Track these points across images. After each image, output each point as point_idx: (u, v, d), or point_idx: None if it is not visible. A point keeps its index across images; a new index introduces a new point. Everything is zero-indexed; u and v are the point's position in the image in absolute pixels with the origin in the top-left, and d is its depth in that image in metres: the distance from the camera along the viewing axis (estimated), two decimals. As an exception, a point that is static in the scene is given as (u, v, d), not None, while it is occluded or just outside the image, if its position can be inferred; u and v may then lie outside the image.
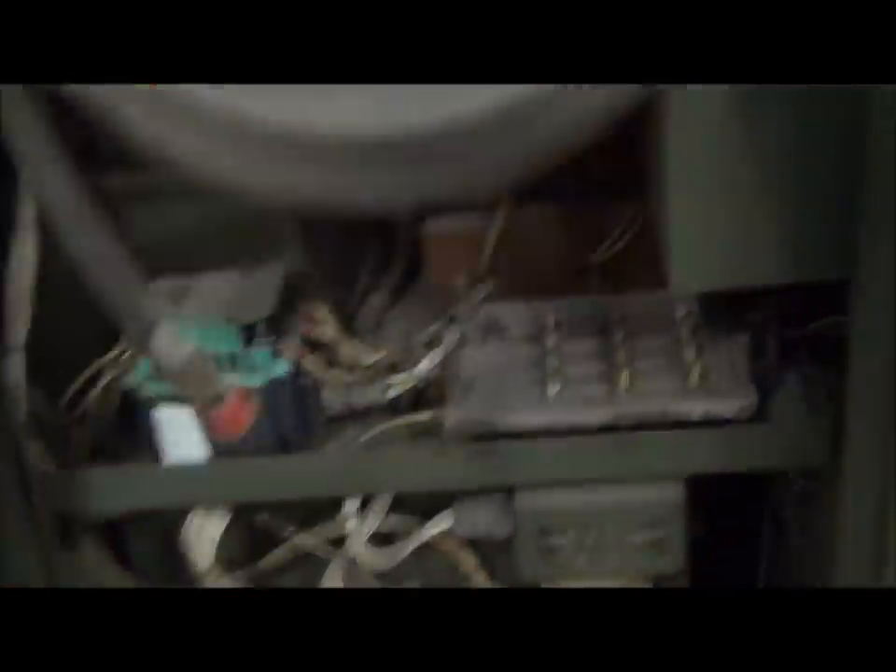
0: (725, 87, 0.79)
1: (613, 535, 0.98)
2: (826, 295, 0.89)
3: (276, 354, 0.98)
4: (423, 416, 1.01)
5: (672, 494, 0.97)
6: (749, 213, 0.84)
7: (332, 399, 1.02)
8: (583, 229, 1.11)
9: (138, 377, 0.97)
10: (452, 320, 1.09)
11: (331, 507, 1.10)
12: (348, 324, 1.11)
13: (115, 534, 1.13)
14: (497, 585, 1.16)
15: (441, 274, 1.13)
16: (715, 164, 0.82)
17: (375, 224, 1.27)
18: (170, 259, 1.03)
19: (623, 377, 0.97)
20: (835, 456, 0.89)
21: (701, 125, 0.81)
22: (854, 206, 0.78)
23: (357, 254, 1.22)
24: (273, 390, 0.97)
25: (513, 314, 1.09)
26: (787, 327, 1.01)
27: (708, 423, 0.94)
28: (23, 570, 0.92)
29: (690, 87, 0.79)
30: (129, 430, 1.01)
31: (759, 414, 0.94)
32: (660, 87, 0.82)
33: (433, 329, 1.09)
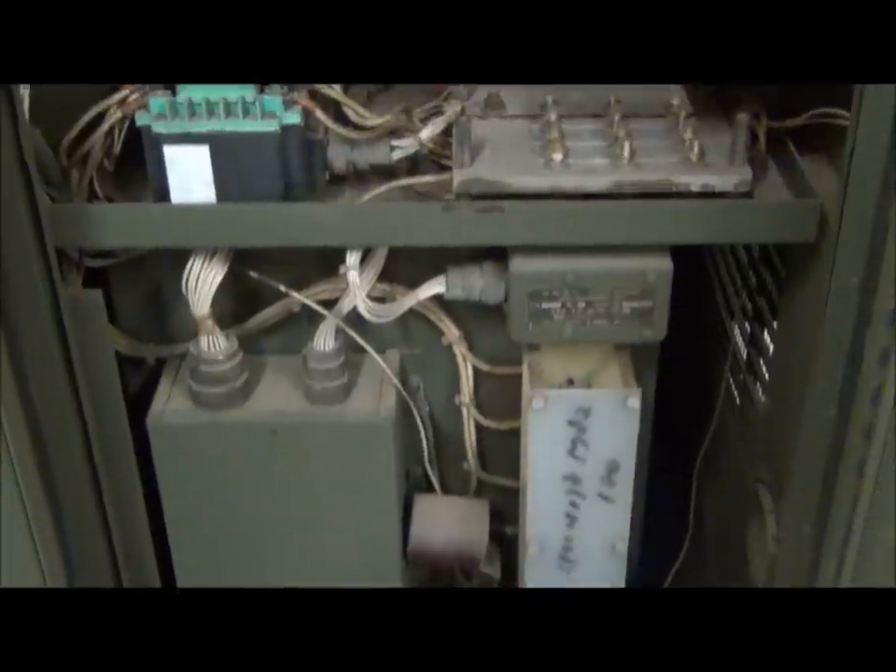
0: None
1: (602, 302, 1.03)
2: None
3: (287, 104, 0.98)
4: (427, 178, 1.03)
5: (661, 264, 1.02)
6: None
7: (337, 156, 1.03)
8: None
9: (148, 116, 0.97)
10: (449, 96, 1.11)
11: (323, 270, 1.13)
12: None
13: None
14: (476, 355, 1.21)
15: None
16: None
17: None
18: None
19: (625, 149, 1.00)
20: (820, 236, 0.96)
21: None
22: None
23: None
24: (284, 137, 0.98)
25: (511, 94, 1.12)
26: (772, 120, 1.07)
27: (703, 195, 0.99)
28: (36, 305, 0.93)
29: None
30: (137, 170, 1.01)
31: (750, 193, 1.00)
32: None
33: (432, 103, 1.11)
